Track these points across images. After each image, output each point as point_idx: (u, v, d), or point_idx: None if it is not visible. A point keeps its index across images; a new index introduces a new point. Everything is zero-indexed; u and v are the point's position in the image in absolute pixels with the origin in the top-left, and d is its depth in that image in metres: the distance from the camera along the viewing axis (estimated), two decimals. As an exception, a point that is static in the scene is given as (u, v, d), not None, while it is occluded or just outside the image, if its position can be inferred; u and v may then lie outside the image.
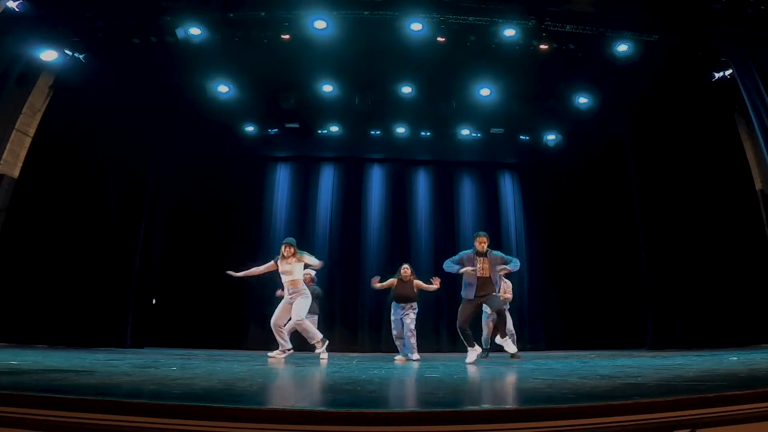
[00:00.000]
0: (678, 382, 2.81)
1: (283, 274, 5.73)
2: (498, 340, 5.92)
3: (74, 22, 7.73)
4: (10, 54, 7.27)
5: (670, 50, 8.19)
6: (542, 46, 8.05)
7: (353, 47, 7.95)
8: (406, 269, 6.67)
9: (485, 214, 11.58)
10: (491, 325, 6.79)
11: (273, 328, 5.70)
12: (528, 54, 8.10)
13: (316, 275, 7.49)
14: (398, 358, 6.47)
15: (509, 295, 7.29)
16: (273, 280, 9.82)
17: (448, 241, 11.34)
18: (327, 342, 5.77)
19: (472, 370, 4.26)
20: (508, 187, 11.92)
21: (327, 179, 11.65)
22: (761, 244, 8.07)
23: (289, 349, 5.78)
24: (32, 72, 7.98)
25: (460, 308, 5.34)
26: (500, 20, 7.64)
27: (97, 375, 3.17)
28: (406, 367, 4.90)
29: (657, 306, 8.50)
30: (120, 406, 1.84)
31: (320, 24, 7.56)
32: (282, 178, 11.66)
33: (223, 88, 9.07)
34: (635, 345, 9.22)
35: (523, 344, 10.70)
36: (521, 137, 10.71)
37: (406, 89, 9.09)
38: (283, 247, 5.77)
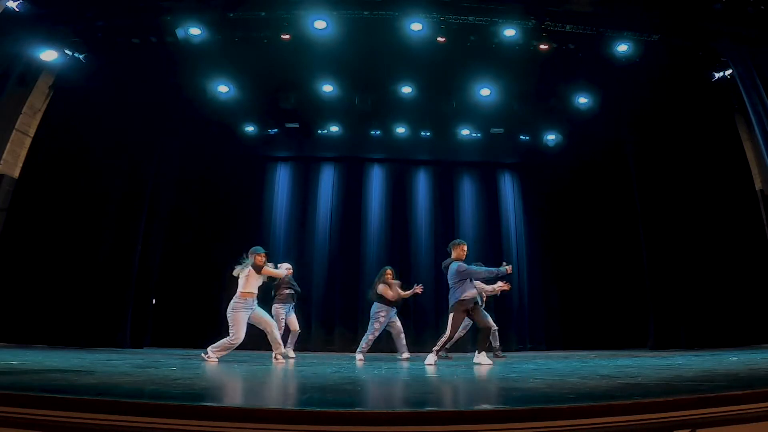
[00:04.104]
0: (678, 382, 2.81)
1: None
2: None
3: (74, 22, 7.72)
4: (10, 54, 7.26)
5: (670, 50, 8.18)
6: (542, 46, 8.04)
7: (353, 47, 7.94)
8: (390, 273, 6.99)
9: (485, 214, 11.55)
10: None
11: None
12: (528, 54, 8.08)
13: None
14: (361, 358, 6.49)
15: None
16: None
17: (448, 241, 11.27)
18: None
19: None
20: (508, 187, 11.90)
21: (327, 179, 11.63)
22: (761, 245, 8.07)
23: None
24: (32, 72, 7.97)
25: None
26: (500, 20, 7.63)
27: (97, 375, 3.17)
28: (408, 367, 4.90)
29: (659, 306, 8.49)
30: (120, 406, 1.85)
31: (320, 24, 7.54)
32: (282, 178, 11.63)
33: (223, 88, 9.05)
34: (636, 345, 9.21)
35: (523, 344, 10.74)
36: (521, 137, 10.67)
37: (406, 89, 9.06)
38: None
